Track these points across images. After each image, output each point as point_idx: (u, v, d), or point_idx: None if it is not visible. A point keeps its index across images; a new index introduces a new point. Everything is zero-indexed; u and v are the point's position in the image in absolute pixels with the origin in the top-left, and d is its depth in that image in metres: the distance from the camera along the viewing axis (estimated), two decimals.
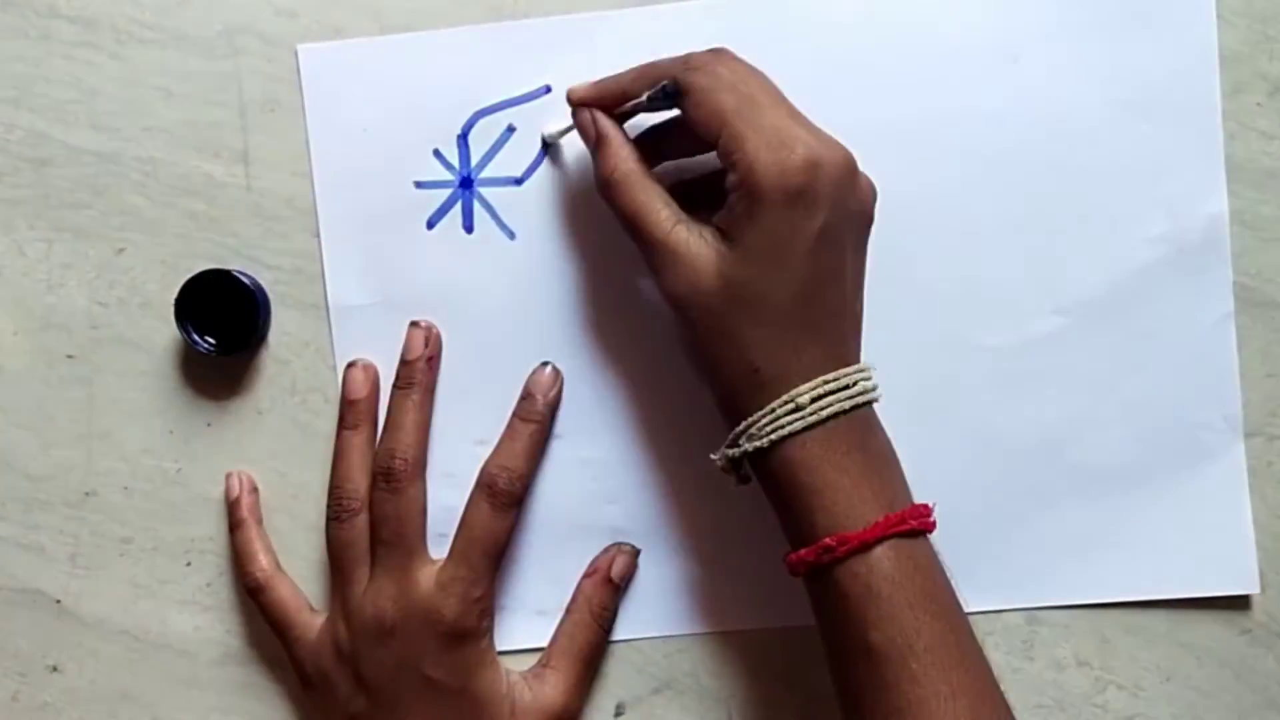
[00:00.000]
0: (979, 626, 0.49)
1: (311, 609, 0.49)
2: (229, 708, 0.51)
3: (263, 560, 0.49)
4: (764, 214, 0.40)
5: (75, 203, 0.51)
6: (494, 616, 0.48)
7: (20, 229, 0.51)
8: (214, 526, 0.51)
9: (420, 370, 0.49)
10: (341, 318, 0.50)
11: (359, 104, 0.50)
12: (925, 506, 0.41)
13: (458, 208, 0.50)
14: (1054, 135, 0.49)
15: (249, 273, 0.50)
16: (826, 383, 0.41)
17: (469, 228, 0.50)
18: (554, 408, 0.50)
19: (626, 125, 0.46)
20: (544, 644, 0.50)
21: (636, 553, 0.50)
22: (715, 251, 0.42)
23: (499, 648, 0.49)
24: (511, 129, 0.50)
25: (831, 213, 0.41)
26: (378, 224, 0.50)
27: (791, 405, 0.40)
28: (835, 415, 0.40)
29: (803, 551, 0.41)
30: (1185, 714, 0.50)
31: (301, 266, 0.51)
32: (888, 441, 0.43)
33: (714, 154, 0.43)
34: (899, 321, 0.49)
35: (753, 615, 0.50)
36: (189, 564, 0.51)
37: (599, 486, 0.50)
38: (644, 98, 0.44)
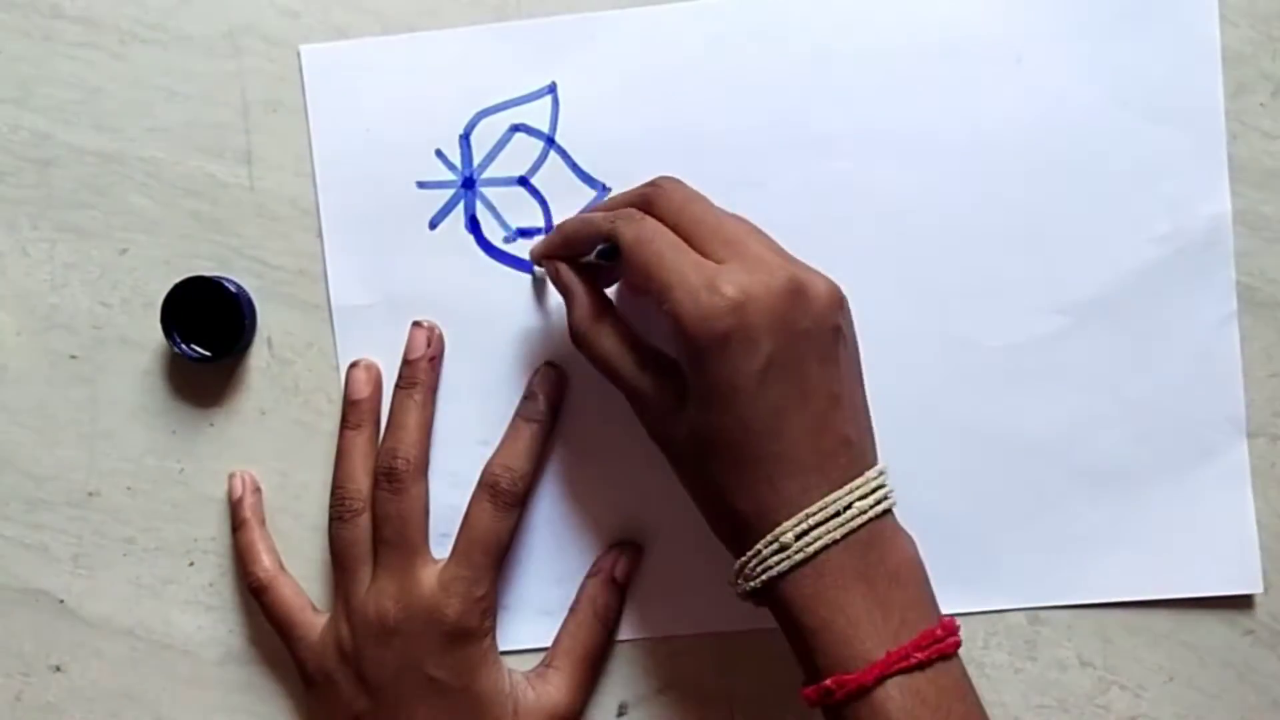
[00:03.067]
0: (980, 627, 0.49)
1: (314, 609, 0.49)
2: (232, 707, 0.51)
3: (265, 560, 0.49)
4: (701, 363, 0.39)
5: (78, 203, 0.51)
6: (496, 616, 0.48)
7: (23, 229, 0.51)
8: (217, 526, 0.51)
9: (423, 370, 0.49)
10: (344, 318, 0.50)
11: (361, 104, 0.50)
12: (945, 625, 0.39)
13: (460, 208, 0.50)
14: (1056, 135, 0.49)
15: (234, 278, 0.50)
16: (809, 516, 0.39)
17: (472, 228, 0.50)
18: (557, 408, 0.50)
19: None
20: (548, 644, 0.50)
21: (640, 552, 0.50)
22: (681, 398, 0.41)
23: (503, 648, 0.49)
24: (514, 129, 0.50)
25: (776, 343, 0.39)
26: (380, 224, 0.50)
27: (776, 545, 0.39)
28: (826, 548, 0.39)
29: (808, 690, 0.40)
30: (1188, 715, 0.50)
31: (304, 267, 0.51)
32: (904, 552, 0.40)
33: None
34: (901, 322, 0.49)
35: (757, 615, 0.50)
36: (192, 564, 0.51)
37: (603, 486, 0.50)
38: (592, 258, 0.45)
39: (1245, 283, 0.49)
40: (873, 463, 0.41)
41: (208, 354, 0.50)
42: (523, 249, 0.50)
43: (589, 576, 0.49)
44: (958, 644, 0.39)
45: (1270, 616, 0.50)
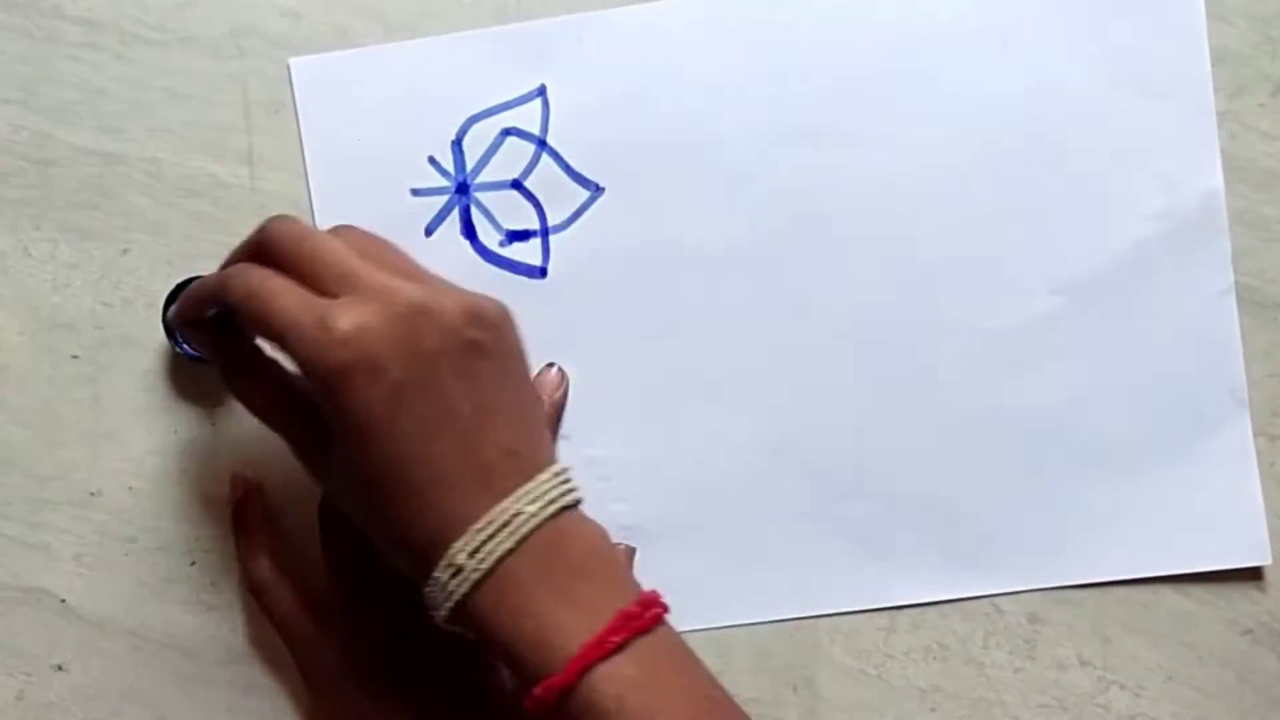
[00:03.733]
0: (980, 627, 0.49)
1: (315, 609, 0.49)
2: (234, 707, 0.51)
3: (266, 562, 0.49)
4: (330, 401, 0.38)
5: (80, 203, 0.51)
6: None
7: (25, 229, 0.51)
8: (219, 526, 0.51)
9: None
10: None
11: (352, 114, 0.50)
12: (640, 602, 0.39)
13: (455, 214, 0.50)
14: (1045, 117, 0.49)
15: None
16: (479, 531, 0.38)
17: (468, 233, 0.50)
18: (560, 409, 0.50)
19: None
20: None
21: (633, 551, 0.50)
22: (327, 441, 0.40)
23: None
24: (505, 133, 0.50)
25: (403, 367, 0.38)
26: (376, 232, 0.50)
27: (452, 569, 0.38)
28: (501, 559, 0.38)
29: (528, 703, 0.38)
30: (1187, 714, 0.50)
31: None
32: (589, 541, 0.40)
33: None
34: (898, 308, 0.49)
35: (758, 610, 0.50)
36: (193, 563, 0.51)
37: (607, 485, 0.50)
38: (216, 330, 0.44)
39: (1245, 283, 0.50)
40: (547, 464, 0.40)
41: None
42: (520, 252, 0.50)
43: None
44: (659, 615, 0.39)
45: (1270, 616, 0.50)
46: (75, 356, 0.51)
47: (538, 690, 0.37)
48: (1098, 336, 0.49)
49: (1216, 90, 0.49)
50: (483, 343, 0.40)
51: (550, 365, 0.50)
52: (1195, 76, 0.49)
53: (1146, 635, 0.50)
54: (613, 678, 0.37)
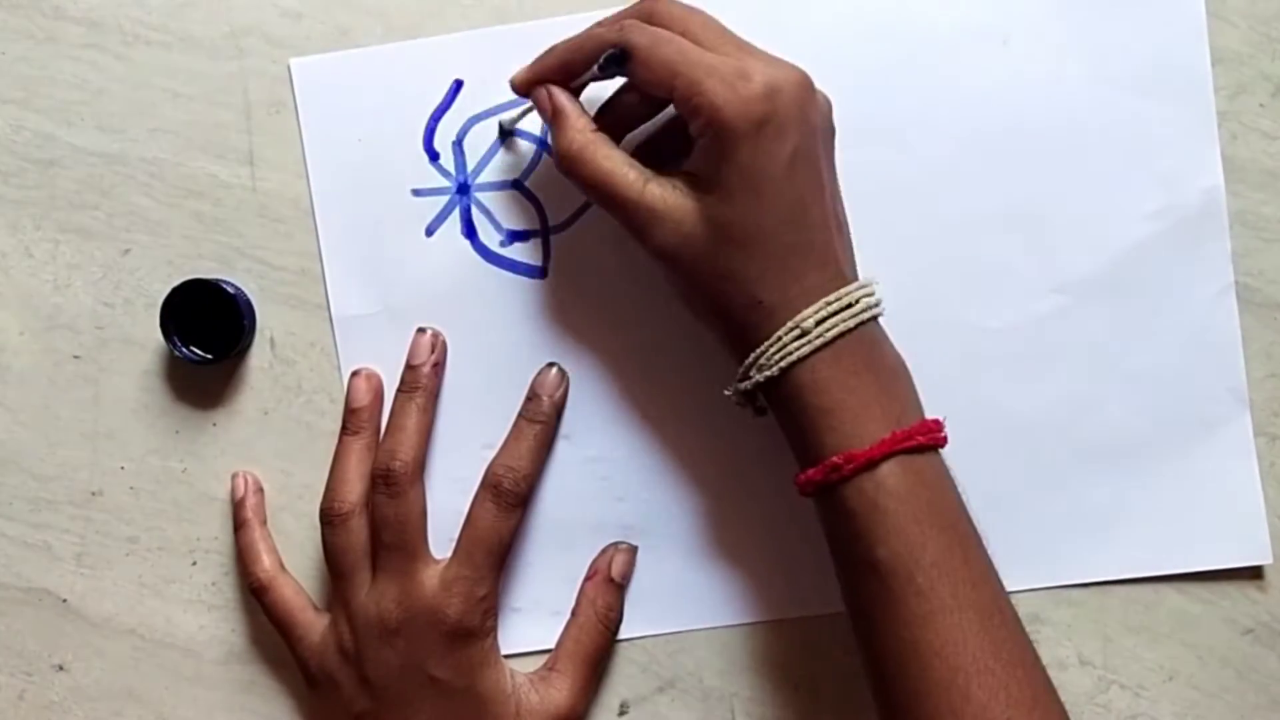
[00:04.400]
0: None
1: (315, 609, 0.49)
2: (234, 706, 0.51)
3: (266, 561, 0.49)
4: (737, 148, 0.40)
5: (81, 203, 0.51)
6: (499, 616, 0.49)
7: (27, 229, 0.51)
8: (219, 526, 0.51)
9: (425, 375, 0.49)
10: (345, 327, 0.51)
11: (353, 115, 0.50)
12: (936, 421, 0.42)
13: (456, 214, 0.50)
14: (1047, 115, 0.49)
15: (235, 279, 0.51)
16: (829, 304, 0.41)
17: (468, 233, 0.50)
18: (560, 408, 0.50)
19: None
20: None
21: (634, 550, 0.50)
22: (693, 199, 0.42)
23: (514, 649, 0.49)
24: (506, 133, 0.50)
25: (799, 133, 0.41)
26: (378, 234, 0.51)
27: (797, 331, 0.41)
28: (841, 335, 0.41)
29: (810, 472, 0.41)
30: (1188, 713, 0.50)
31: (306, 267, 0.51)
32: (897, 356, 0.43)
33: (660, 116, 0.44)
34: (899, 308, 0.49)
35: (759, 609, 0.50)
36: (194, 563, 0.51)
37: (608, 484, 0.50)
38: (594, 69, 0.44)
39: (1245, 283, 0.50)
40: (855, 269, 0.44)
41: (207, 356, 0.50)
42: (520, 252, 0.50)
43: (586, 580, 0.49)
44: (945, 440, 0.42)
45: (1270, 615, 0.50)
46: (76, 357, 0.51)
47: (838, 458, 0.40)
48: (1099, 335, 0.49)
49: (1217, 90, 0.49)
50: (833, 133, 0.44)
51: (550, 365, 0.50)
52: (1195, 75, 0.49)
53: (1147, 635, 0.50)
54: (910, 470, 0.40)
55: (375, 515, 0.47)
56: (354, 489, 0.48)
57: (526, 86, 0.46)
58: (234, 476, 0.51)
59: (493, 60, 0.50)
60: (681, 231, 0.42)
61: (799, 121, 0.41)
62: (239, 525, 0.50)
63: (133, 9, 0.51)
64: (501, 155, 0.50)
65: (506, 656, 0.49)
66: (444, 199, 0.51)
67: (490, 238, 0.50)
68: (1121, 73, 0.49)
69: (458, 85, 0.50)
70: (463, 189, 0.51)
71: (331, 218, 0.51)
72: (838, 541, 0.42)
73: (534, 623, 0.50)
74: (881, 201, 0.49)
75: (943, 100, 0.49)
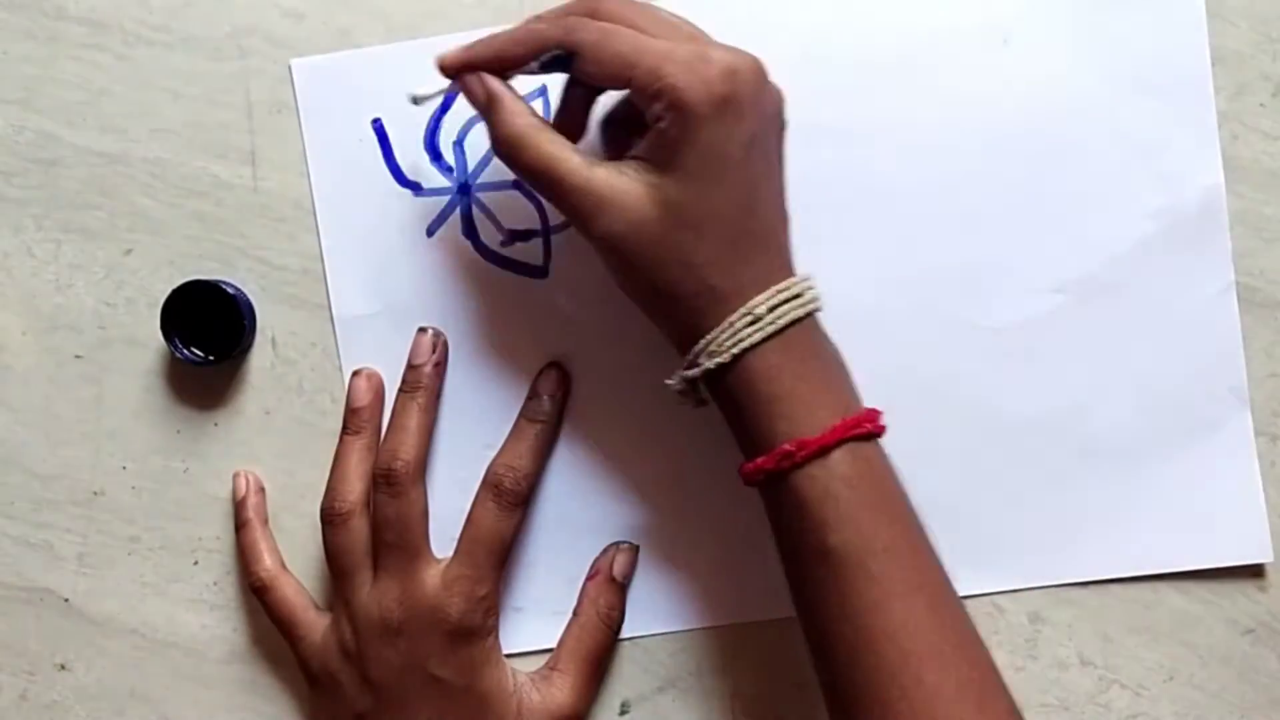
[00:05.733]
0: (981, 626, 0.49)
1: (317, 608, 0.50)
2: (236, 705, 0.51)
3: (267, 560, 0.50)
4: (698, 131, 0.40)
5: (83, 204, 0.51)
6: (500, 615, 0.49)
7: (29, 230, 0.51)
8: (221, 525, 0.51)
9: (426, 375, 0.49)
10: (347, 328, 0.51)
11: (354, 115, 0.50)
12: (876, 411, 0.42)
13: (457, 214, 0.51)
14: (1046, 115, 0.49)
15: (236, 279, 0.51)
16: (780, 292, 0.41)
17: (469, 233, 0.50)
18: (561, 408, 0.50)
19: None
20: None
21: (636, 549, 0.50)
22: (645, 183, 0.41)
23: (515, 649, 0.49)
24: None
25: (757, 118, 0.41)
26: (379, 234, 0.51)
27: (750, 317, 0.41)
28: (792, 323, 0.41)
29: (760, 460, 0.41)
30: (1188, 713, 0.50)
31: (308, 267, 0.51)
32: (835, 348, 0.43)
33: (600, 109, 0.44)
34: (899, 306, 0.49)
35: (760, 609, 0.50)
36: (196, 563, 0.51)
37: (610, 484, 0.50)
38: (534, 66, 0.43)
39: (1245, 283, 0.50)
40: None
41: (208, 357, 0.50)
42: (521, 252, 0.50)
43: (588, 579, 0.50)
44: (885, 429, 0.42)
45: (1270, 615, 0.50)
46: (78, 356, 0.51)
47: (789, 445, 0.40)
48: (1099, 334, 0.49)
49: (1218, 91, 0.49)
50: (784, 126, 0.43)
51: (551, 365, 0.50)
52: (1195, 73, 0.49)
53: (1147, 635, 0.50)
54: (860, 457, 0.41)
55: (377, 514, 0.47)
56: (355, 489, 0.48)
57: (454, 70, 0.44)
58: (235, 476, 0.51)
59: None
60: (630, 217, 0.41)
61: (756, 106, 0.41)
62: (240, 525, 0.50)
63: (135, 9, 0.51)
64: None
65: (508, 656, 0.49)
66: (445, 199, 0.51)
67: (491, 238, 0.50)
68: (1121, 71, 0.49)
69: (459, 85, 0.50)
70: (463, 189, 0.51)
71: (333, 218, 0.51)
72: (786, 531, 0.42)
73: (536, 622, 0.50)
74: (881, 201, 0.49)
75: (942, 100, 0.49)
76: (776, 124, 0.43)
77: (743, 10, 0.50)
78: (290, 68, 0.51)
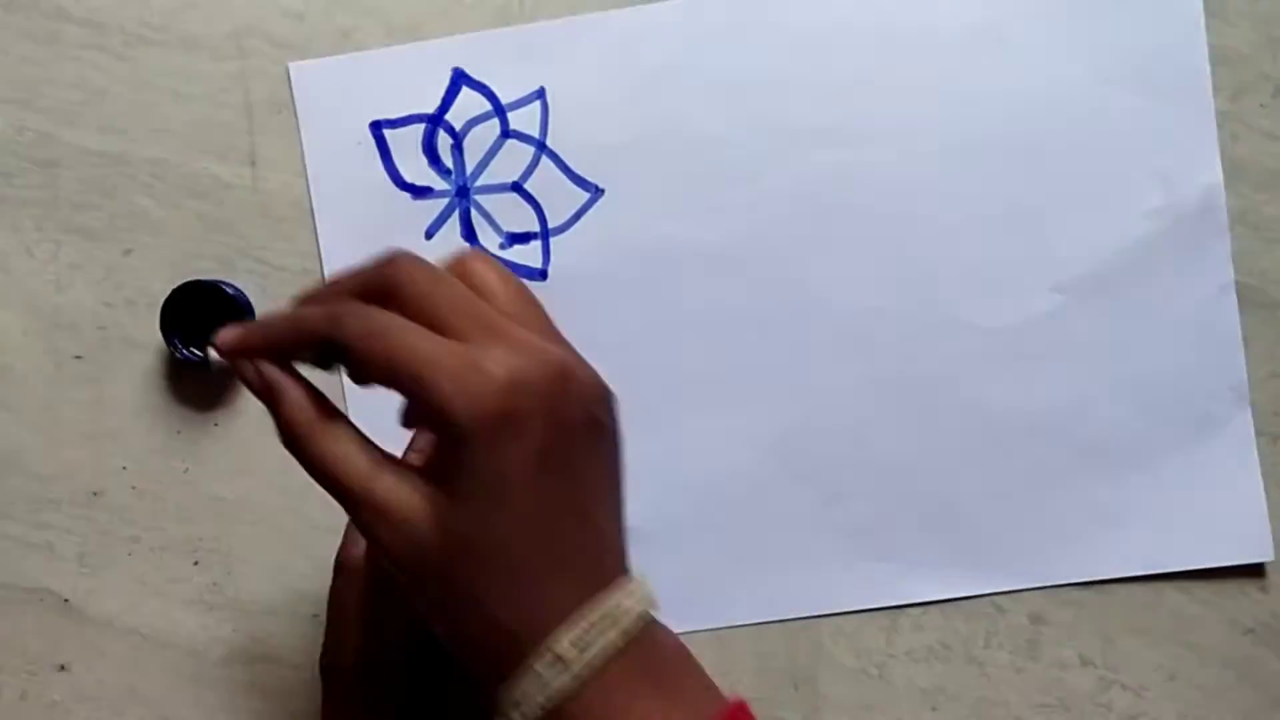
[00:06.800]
0: (981, 627, 0.49)
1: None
2: (236, 707, 0.51)
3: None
4: (469, 453, 0.33)
5: (83, 204, 0.51)
6: None
7: (28, 230, 0.51)
8: (221, 526, 0.51)
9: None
10: None
11: (352, 119, 0.50)
12: (742, 703, 0.37)
13: (455, 217, 0.51)
14: (1044, 114, 0.50)
15: (237, 279, 0.51)
16: (592, 624, 0.34)
17: (468, 236, 0.51)
18: None
19: None
20: None
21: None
22: (429, 500, 0.35)
23: None
24: (505, 135, 0.50)
25: (547, 432, 0.34)
26: (377, 237, 0.50)
27: (551, 657, 0.34)
28: (611, 658, 0.34)
29: None
30: (1189, 714, 0.50)
31: (308, 267, 0.51)
32: (677, 645, 0.37)
33: None
34: (899, 308, 0.49)
35: (760, 610, 0.50)
36: (196, 563, 0.51)
37: None
38: (308, 357, 0.37)
39: (1245, 283, 0.50)
40: (628, 563, 0.38)
41: (208, 357, 0.50)
42: (521, 254, 0.50)
43: None
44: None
45: (1271, 615, 0.50)
46: (78, 357, 0.51)
47: None
48: (1098, 334, 0.49)
49: (1218, 91, 0.49)
50: (606, 426, 0.37)
51: None
52: (1194, 73, 0.49)
53: (1148, 635, 0.50)
54: None
55: None
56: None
57: (230, 354, 0.38)
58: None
59: (493, 62, 0.50)
60: (411, 537, 0.35)
61: (546, 419, 0.34)
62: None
63: (135, 9, 0.51)
64: (501, 157, 0.51)
65: None
66: (443, 201, 0.51)
67: (490, 240, 0.50)
68: (1119, 70, 0.49)
69: (457, 87, 0.50)
70: (462, 191, 0.51)
71: (332, 220, 0.51)
72: None
73: None
74: (880, 201, 0.49)
75: (941, 100, 0.50)
76: (585, 429, 0.36)
77: (741, 15, 0.50)
78: (288, 71, 0.51)
